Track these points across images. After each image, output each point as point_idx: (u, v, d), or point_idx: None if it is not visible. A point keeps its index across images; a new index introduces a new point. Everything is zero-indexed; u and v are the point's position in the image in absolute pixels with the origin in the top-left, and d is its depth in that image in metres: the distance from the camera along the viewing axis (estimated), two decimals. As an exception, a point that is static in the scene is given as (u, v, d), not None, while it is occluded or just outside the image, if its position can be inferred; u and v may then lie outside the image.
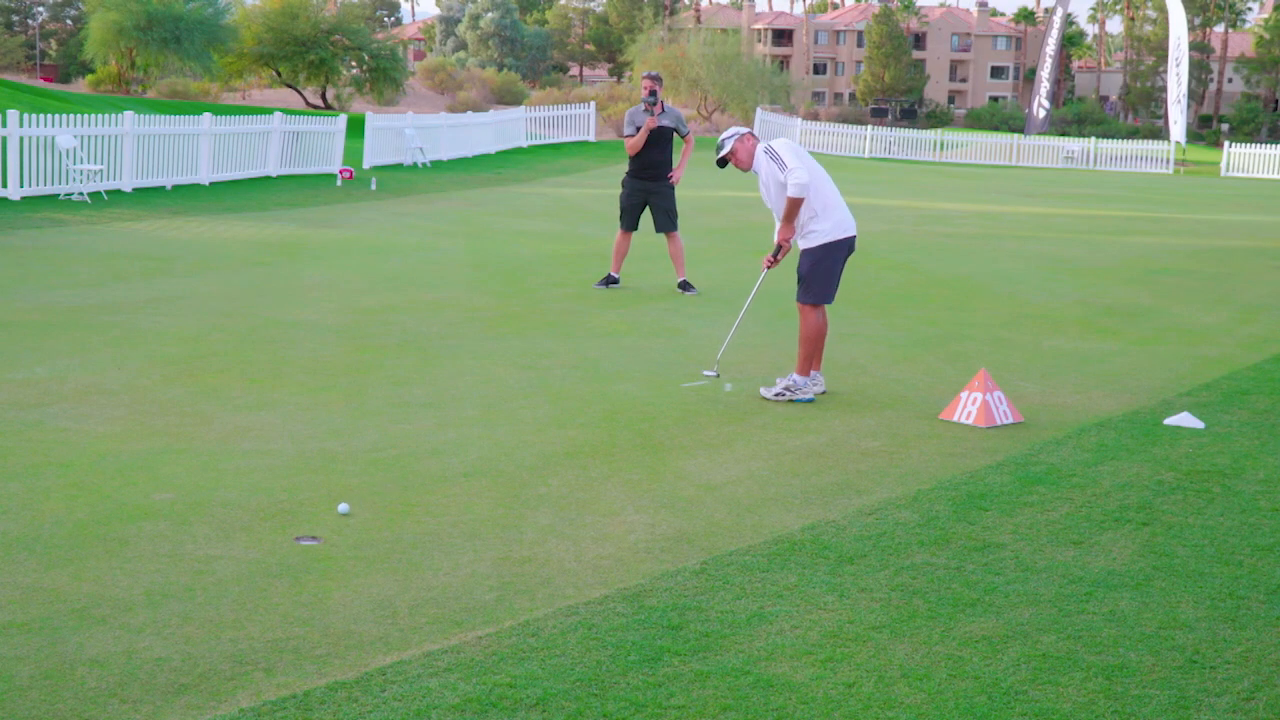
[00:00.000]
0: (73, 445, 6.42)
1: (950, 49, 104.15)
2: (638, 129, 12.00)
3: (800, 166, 7.63)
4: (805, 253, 7.91)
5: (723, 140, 7.98)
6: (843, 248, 7.92)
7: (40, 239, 15.04)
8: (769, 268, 8.23)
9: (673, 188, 12.27)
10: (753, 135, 8.01)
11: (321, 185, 23.56)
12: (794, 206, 7.70)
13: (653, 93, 12.03)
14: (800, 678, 4.03)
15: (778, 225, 7.93)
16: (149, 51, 40.76)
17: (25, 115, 18.70)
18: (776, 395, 7.78)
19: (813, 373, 7.91)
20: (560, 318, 10.79)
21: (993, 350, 9.77)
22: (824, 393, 7.92)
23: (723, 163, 7.99)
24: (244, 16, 45.63)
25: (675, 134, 12.25)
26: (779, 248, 7.99)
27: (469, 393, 7.87)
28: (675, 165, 12.29)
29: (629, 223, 12.26)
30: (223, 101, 50.46)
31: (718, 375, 8.26)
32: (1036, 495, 6.04)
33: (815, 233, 7.81)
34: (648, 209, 12.27)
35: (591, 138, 39.53)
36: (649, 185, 12.16)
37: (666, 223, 12.20)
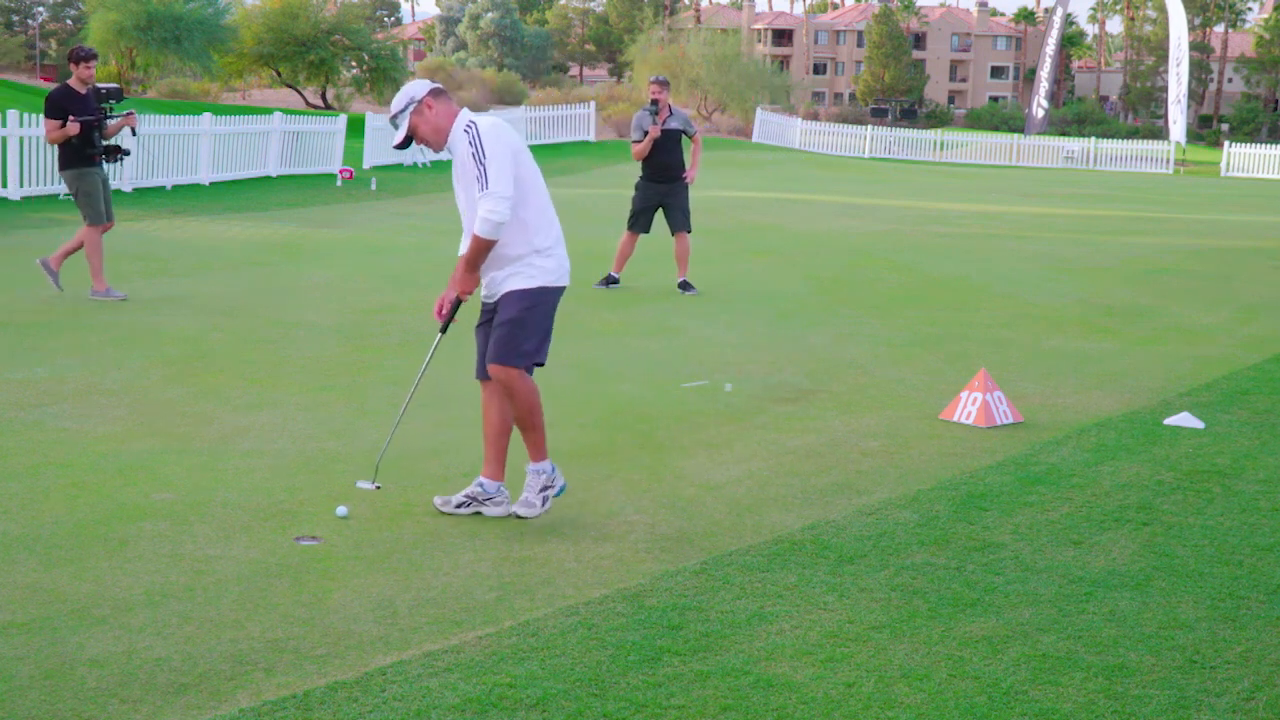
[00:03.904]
0: (73, 445, 6.42)
1: (950, 49, 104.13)
2: (645, 133, 12.09)
3: (504, 193, 5.20)
4: (518, 295, 5.40)
5: (396, 111, 5.40)
6: (558, 298, 5.58)
7: (40, 239, 15.03)
8: (445, 330, 5.72)
9: (687, 187, 12.35)
10: (449, 97, 5.46)
11: (321, 185, 23.56)
12: (480, 249, 5.33)
13: (654, 101, 12.10)
14: (800, 678, 4.03)
15: (464, 237, 5.48)
16: (149, 51, 40.74)
17: (25, 115, 18.69)
18: (544, 506, 5.48)
19: (496, 486, 5.61)
20: (559, 318, 10.74)
21: (993, 350, 9.77)
22: (508, 515, 5.57)
23: (405, 143, 5.46)
24: (244, 16, 45.58)
25: (683, 135, 12.33)
26: (458, 300, 5.57)
27: (469, 393, 7.84)
28: (689, 165, 12.40)
29: (641, 226, 12.31)
30: (223, 101, 50.42)
31: (377, 488, 5.81)
32: (1036, 495, 6.04)
33: (538, 269, 5.42)
34: (660, 213, 12.34)
35: (591, 138, 39.52)
36: (662, 188, 12.24)
37: (684, 222, 12.28)
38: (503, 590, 4.71)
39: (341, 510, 5.48)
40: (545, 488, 5.49)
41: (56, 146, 10.83)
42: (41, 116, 18.76)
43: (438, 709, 3.75)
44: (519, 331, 5.39)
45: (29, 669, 3.95)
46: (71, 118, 10.51)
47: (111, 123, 10.84)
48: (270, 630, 4.29)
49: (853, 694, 3.93)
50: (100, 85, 10.87)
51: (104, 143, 10.77)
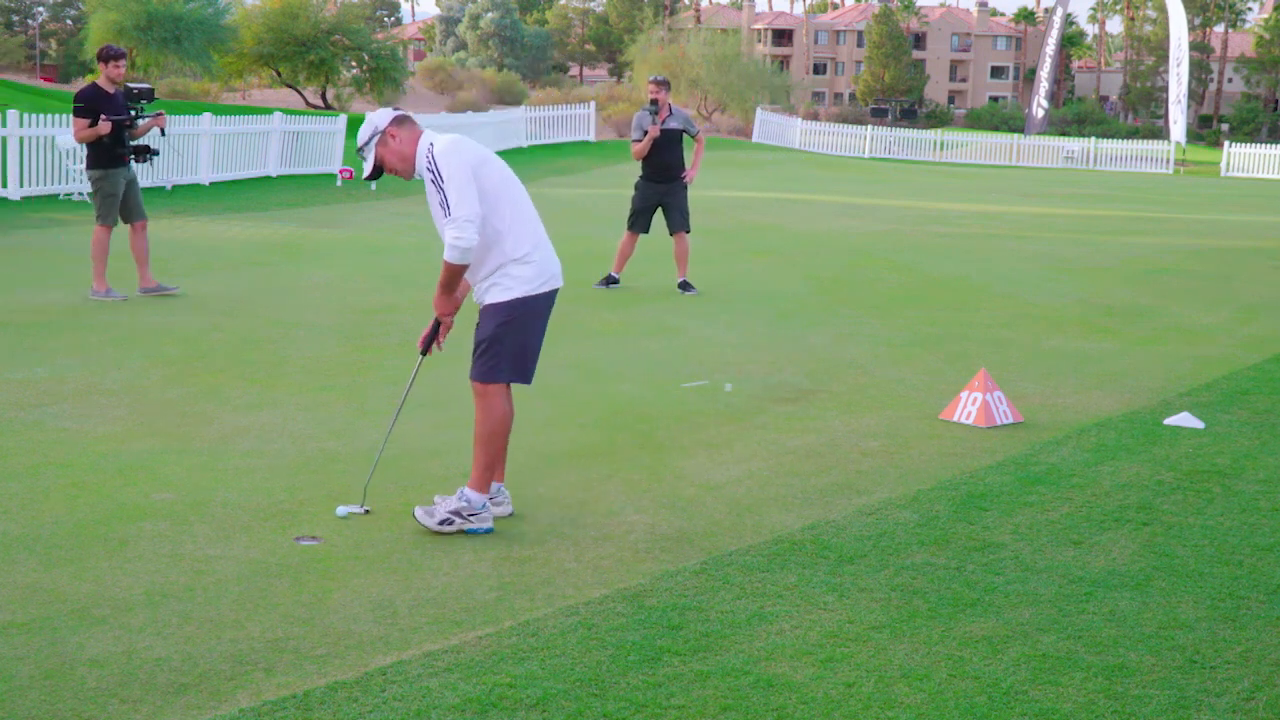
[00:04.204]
0: (73, 445, 6.43)
1: (950, 49, 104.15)
2: (645, 133, 12.08)
3: (469, 215, 5.05)
4: (493, 309, 5.29)
5: (362, 143, 5.33)
6: (547, 305, 5.42)
7: (40, 239, 15.04)
8: (426, 353, 5.66)
9: (686, 187, 12.33)
10: (413, 122, 5.36)
11: (321, 185, 23.56)
12: (450, 274, 5.24)
13: (654, 101, 12.09)
14: (800, 678, 4.03)
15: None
16: (149, 51, 40.75)
17: (25, 115, 18.69)
18: (442, 525, 5.27)
19: (496, 486, 5.47)
20: (559, 318, 10.74)
21: (993, 350, 9.77)
22: (511, 514, 5.52)
23: (375, 174, 5.37)
24: (244, 16, 45.58)
25: (685, 134, 12.32)
26: (437, 323, 5.50)
27: (469, 393, 7.85)
28: (690, 165, 12.39)
29: (640, 226, 12.30)
30: (223, 101, 50.42)
31: (366, 511, 5.51)
32: (1036, 495, 6.04)
33: (514, 279, 5.26)
34: (659, 213, 12.33)
35: (591, 138, 39.51)
36: (661, 187, 12.22)
37: (682, 222, 12.26)
38: (503, 590, 4.71)
39: (341, 510, 5.48)
40: (459, 514, 5.27)
41: (85, 145, 10.83)
42: (41, 116, 18.86)
43: (438, 709, 3.75)
44: (495, 349, 5.28)
45: (29, 669, 3.95)
46: (104, 117, 10.53)
47: (141, 123, 10.89)
48: (270, 630, 4.30)
49: (853, 694, 3.93)
50: (131, 85, 10.90)
51: (133, 143, 10.81)
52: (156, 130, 11.17)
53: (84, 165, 10.96)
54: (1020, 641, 4.34)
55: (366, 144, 5.32)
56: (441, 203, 5.12)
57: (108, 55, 10.62)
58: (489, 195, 5.19)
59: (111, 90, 10.67)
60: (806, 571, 4.96)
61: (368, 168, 5.36)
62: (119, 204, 10.79)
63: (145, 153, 10.87)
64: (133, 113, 10.78)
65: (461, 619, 4.43)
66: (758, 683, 3.98)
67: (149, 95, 10.95)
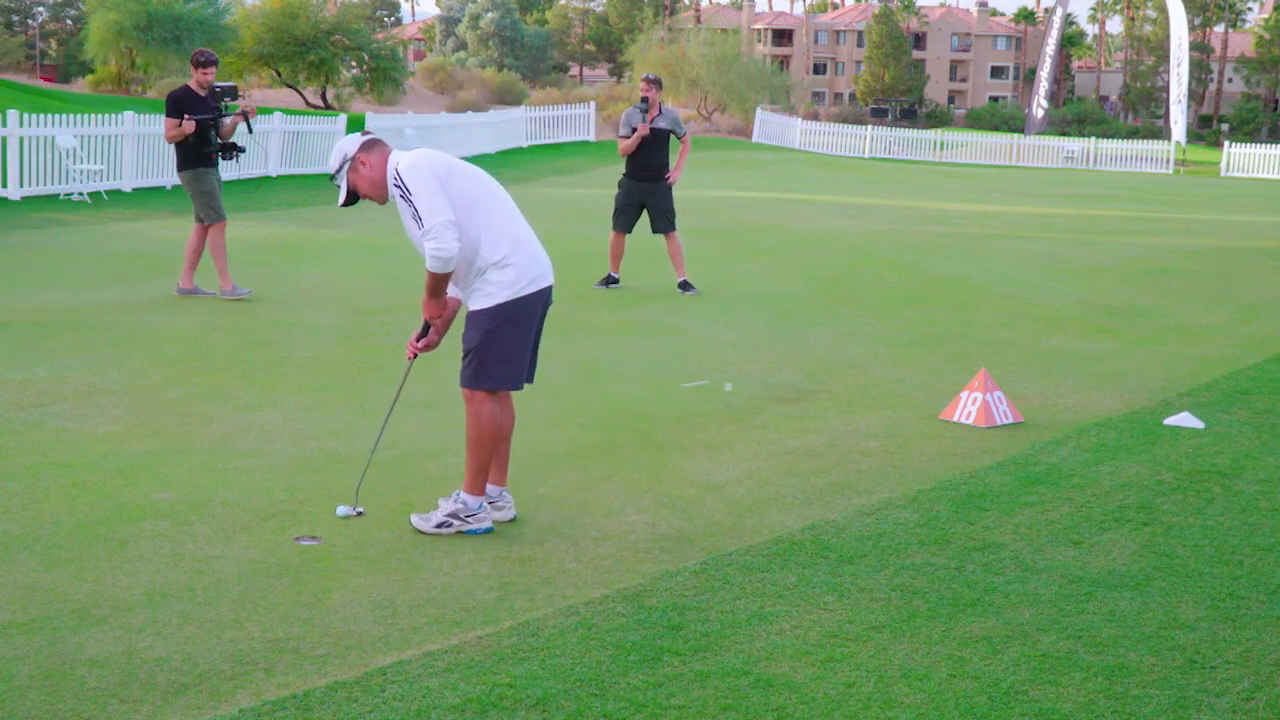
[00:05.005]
0: (73, 445, 6.43)
1: (950, 49, 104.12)
2: (633, 130, 12.05)
3: (443, 222, 5.00)
4: (477, 316, 5.25)
5: (333, 171, 5.30)
6: (535, 305, 5.31)
7: (40, 239, 15.04)
8: (414, 356, 5.61)
9: (670, 188, 12.29)
10: (381, 145, 5.28)
11: (321, 185, 23.53)
12: (436, 281, 5.25)
13: (645, 99, 12.06)
14: (800, 678, 4.03)
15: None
16: (149, 51, 40.75)
17: (25, 115, 18.70)
18: (440, 528, 5.27)
19: (498, 490, 5.47)
20: (559, 318, 10.75)
21: (993, 350, 9.77)
22: (513, 519, 5.49)
23: (350, 201, 5.33)
24: (244, 16, 45.59)
25: (672, 135, 12.27)
26: (426, 326, 5.53)
27: (469, 393, 7.85)
28: (673, 166, 12.35)
29: (623, 224, 12.29)
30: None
31: (360, 513, 5.48)
32: (1036, 495, 6.04)
33: (495, 284, 5.20)
34: (645, 211, 12.29)
35: (591, 138, 39.50)
36: (645, 187, 12.19)
37: (665, 224, 12.22)
38: (503, 590, 4.71)
39: (341, 510, 5.48)
40: (456, 516, 5.28)
41: (174, 146, 11.11)
42: (41, 116, 18.87)
43: (438, 709, 3.75)
44: (481, 355, 5.23)
45: (29, 669, 3.95)
46: (186, 116, 10.77)
47: (226, 121, 11.08)
48: (270, 630, 4.30)
49: (853, 694, 3.93)
50: (216, 85, 11.02)
51: (219, 141, 10.99)
52: (243, 127, 11.32)
53: (175, 167, 11.28)
54: (1020, 641, 4.34)
55: (338, 172, 5.27)
56: (414, 215, 5.07)
57: (199, 61, 10.86)
58: (460, 204, 5.13)
59: (202, 93, 10.91)
60: (806, 571, 4.96)
61: (341, 196, 5.31)
62: (217, 199, 11.02)
63: (232, 150, 11.10)
64: (218, 111, 10.99)
65: (461, 619, 4.43)
66: (758, 683, 3.98)
67: (232, 93, 11.18)
